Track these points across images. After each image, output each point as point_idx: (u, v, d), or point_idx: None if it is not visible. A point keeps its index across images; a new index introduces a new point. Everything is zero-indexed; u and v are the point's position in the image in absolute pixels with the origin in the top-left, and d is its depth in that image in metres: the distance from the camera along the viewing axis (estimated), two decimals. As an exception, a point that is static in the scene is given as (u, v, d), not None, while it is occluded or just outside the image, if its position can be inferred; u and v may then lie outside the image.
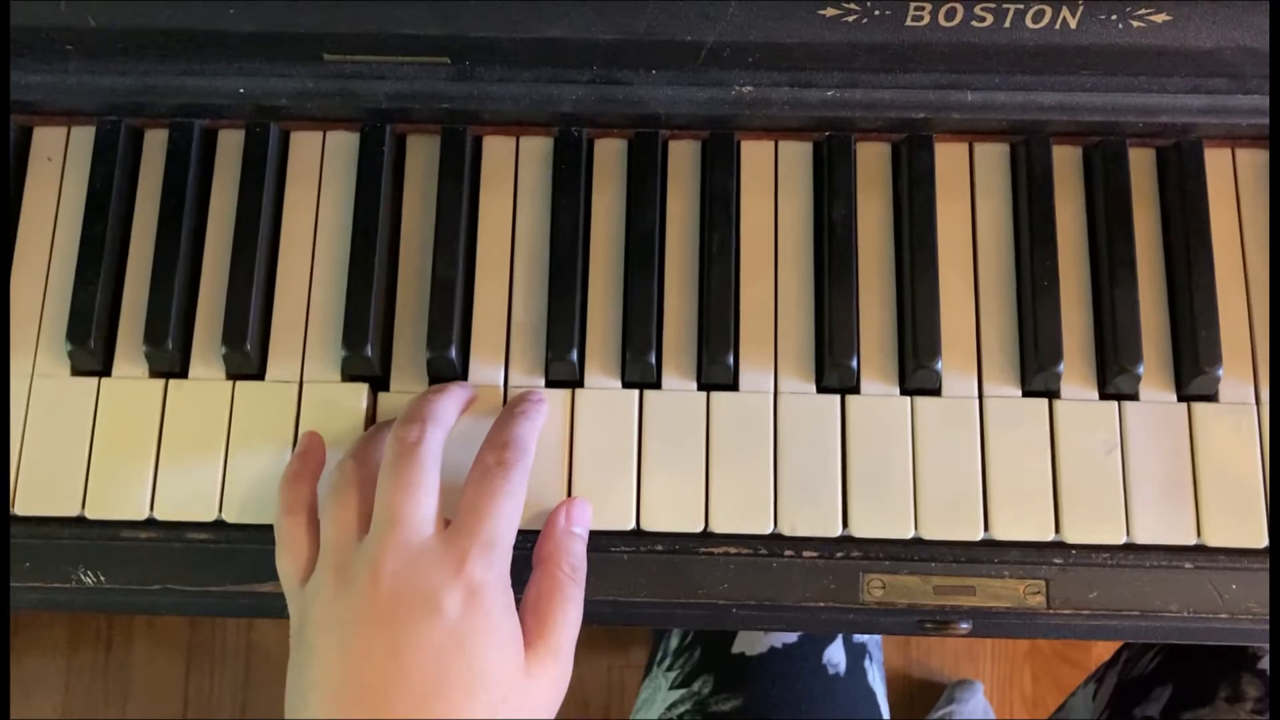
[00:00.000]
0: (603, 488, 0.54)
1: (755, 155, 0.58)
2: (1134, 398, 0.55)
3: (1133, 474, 0.54)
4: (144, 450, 0.55)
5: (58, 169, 0.59)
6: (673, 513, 0.54)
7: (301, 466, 0.52)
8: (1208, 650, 0.72)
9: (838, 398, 0.55)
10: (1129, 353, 0.54)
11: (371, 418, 0.56)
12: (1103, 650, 1.30)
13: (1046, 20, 0.52)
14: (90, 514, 0.54)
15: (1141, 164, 0.58)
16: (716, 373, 0.55)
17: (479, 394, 0.55)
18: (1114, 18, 0.51)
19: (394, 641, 0.45)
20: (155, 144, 0.59)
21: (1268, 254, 0.57)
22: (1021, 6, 0.51)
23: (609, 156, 0.59)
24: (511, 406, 0.53)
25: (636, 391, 0.55)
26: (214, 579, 0.54)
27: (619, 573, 0.53)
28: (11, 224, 0.57)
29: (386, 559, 0.46)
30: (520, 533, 0.50)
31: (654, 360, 0.55)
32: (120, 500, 0.54)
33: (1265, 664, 0.70)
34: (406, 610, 0.45)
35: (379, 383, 0.56)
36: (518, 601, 0.49)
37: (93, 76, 0.56)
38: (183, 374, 0.56)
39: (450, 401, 0.52)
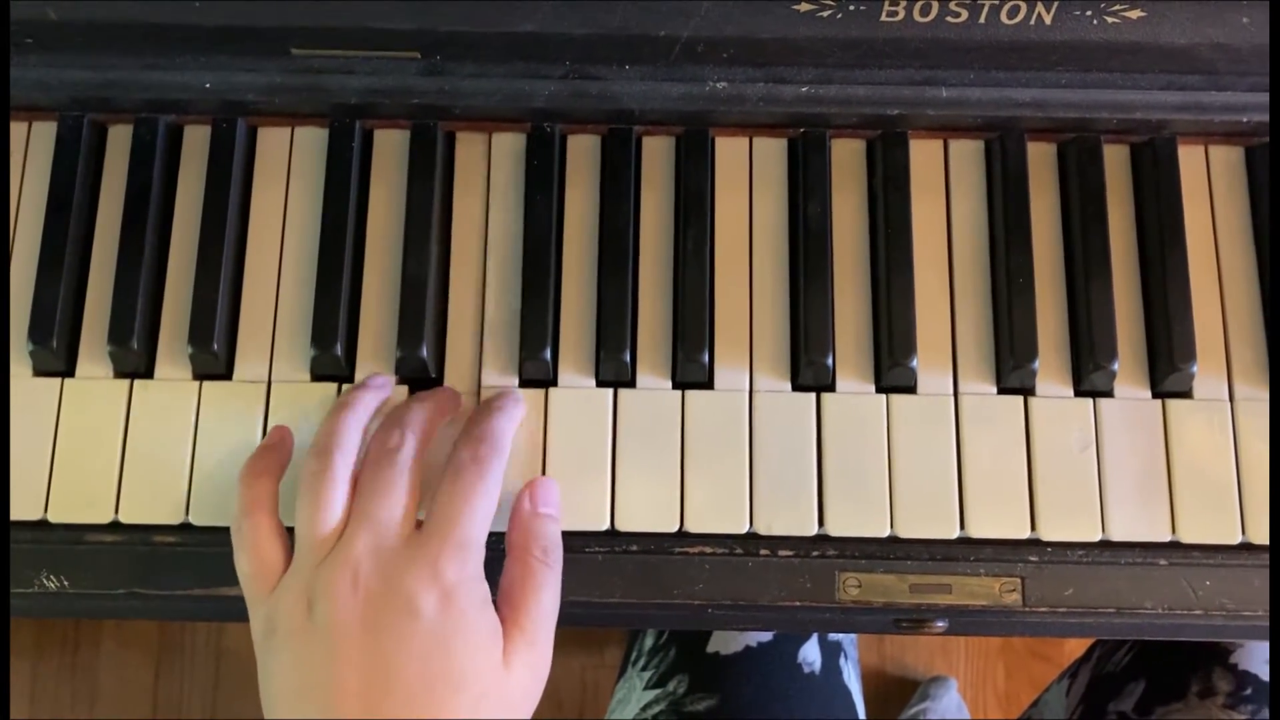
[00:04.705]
0: (577, 487, 0.53)
1: (729, 151, 0.58)
2: (1109, 395, 0.55)
3: (1108, 471, 0.54)
4: (108, 452, 0.54)
5: (18, 165, 0.57)
6: (647, 512, 0.53)
7: (264, 463, 0.51)
8: (1180, 645, 0.73)
9: (813, 396, 0.55)
10: (1104, 350, 0.54)
11: (341, 418, 0.55)
12: (1076, 646, 1.30)
13: (1021, 16, 0.51)
14: (53, 518, 0.53)
15: (1116, 160, 0.58)
16: (691, 371, 0.55)
17: (461, 400, 0.55)
18: (1088, 14, 0.51)
19: (378, 646, 0.45)
20: (119, 139, 0.58)
21: (1241, 251, 0.57)
22: (996, 3, 0.51)
23: (582, 153, 0.58)
24: (488, 402, 0.53)
25: (611, 390, 0.55)
26: (181, 583, 0.53)
27: (593, 573, 0.53)
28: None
29: (364, 563, 0.46)
30: (494, 534, 0.50)
31: (628, 359, 0.54)
32: (84, 503, 0.53)
33: (1237, 658, 0.70)
34: (386, 613, 0.45)
35: (346, 380, 0.55)
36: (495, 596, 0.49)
37: (54, 70, 0.55)
38: (148, 374, 0.55)
39: (433, 411, 0.52)
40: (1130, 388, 0.55)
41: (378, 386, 0.53)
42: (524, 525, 0.51)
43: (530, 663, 0.48)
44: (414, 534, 0.48)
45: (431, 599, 0.46)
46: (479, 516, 0.48)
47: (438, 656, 0.45)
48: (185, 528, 0.53)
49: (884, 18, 0.51)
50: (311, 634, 0.46)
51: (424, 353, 0.54)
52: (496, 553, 0.50)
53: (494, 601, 0.49)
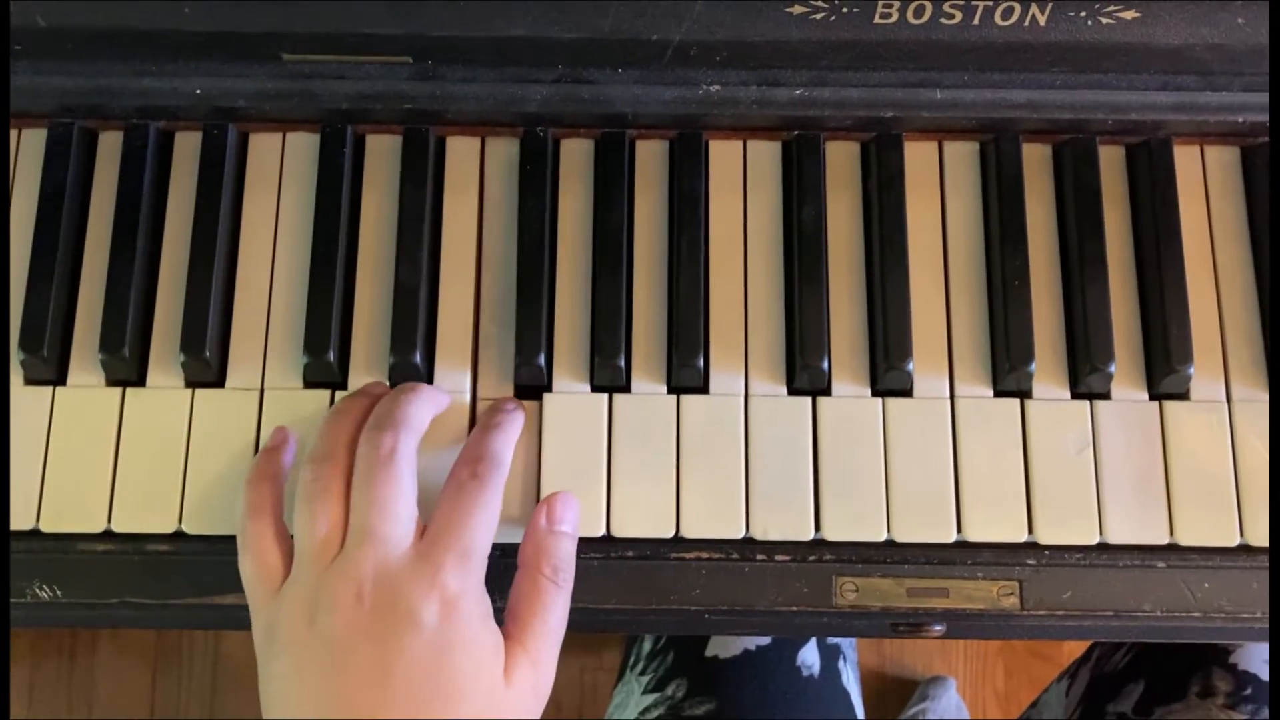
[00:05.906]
0: (572, 493, 0.53)
1: (723, 155, 0.58)
2: (1106, 397, 0.55)
3: (1105, 473, 0.54)
4: (100, 461, 0.53)
5: (8, 172, 0.57)
6: (643, 518, 0.53)
7: (268, 465, 0.51)
8: (1179, 646, 0.72)
9: (809, 399, 0.55)
10: (1100, 351, 0.54)
11: (335, 425, 0.54)
12: (1075, 646, 1.30)
13: (1015, 18, 0.51)
14: (45, 527, 0.53)
15: (1111, 161, 0.58)
16: (686, 375, 0.54)
17: (448, 400, 0.54)
18: (1083, 15, 0.51)
19: (380, 657, 0.45)
20: (110, 146, 0.57)
21: (1237, 251, 0.57)
22: (990, 4, 0.51)
23: (575, 157, 0.58)
24: (486, 418, 0.52)
25: (606, 395, 0.55)
26: (174, 591, 0.53)
27: (590, 579, 0.53)
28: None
29: (367, 575, 0.46)
30: (498, 545, 0.49)
31: (623, 363, 0.54)
32: (76, 512, 0.53)
33: (1236, 658, 0.70)
34: (390, 626, 0.45)
35: (339, 387, 0.55)
36: (502, 607, 0.49)
37: (44, 77, 0.55)
38: (140, 382, 0.55)
39: (422, 404, 0.51)
40: (1127, 389, 0.55)
41: (373, 394, 0.53)
42: (537, 542, 0.50)
43: (531, 683, 0.48)
44: (416, 543, 0.47)
45: (433, 610, 0.46)
46: (481, 527, 0.48)
47: (438, 669, 0.45)
48: (178, 536, 0.53)
49: (877, 19, 0.51)
50: (313, 644, 0.46)
51: (417, 358, 0.54)
52: (499, 564, 0.50)
53: (501, 614, 0.49)
